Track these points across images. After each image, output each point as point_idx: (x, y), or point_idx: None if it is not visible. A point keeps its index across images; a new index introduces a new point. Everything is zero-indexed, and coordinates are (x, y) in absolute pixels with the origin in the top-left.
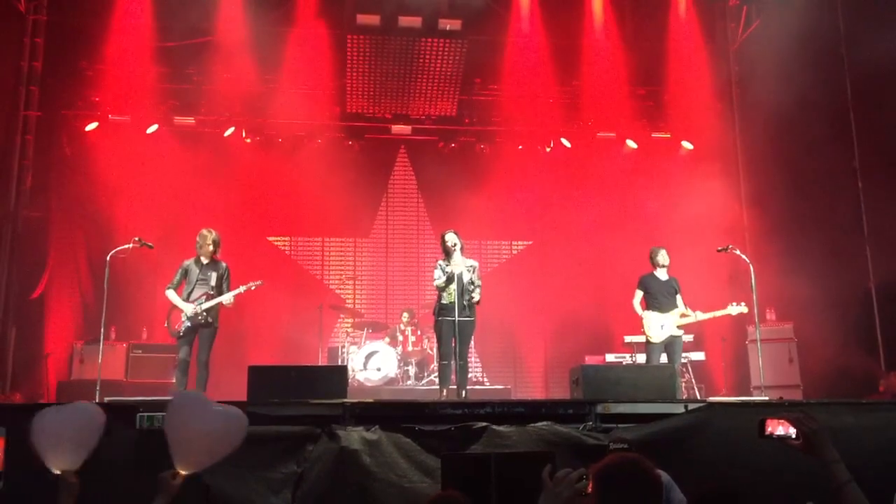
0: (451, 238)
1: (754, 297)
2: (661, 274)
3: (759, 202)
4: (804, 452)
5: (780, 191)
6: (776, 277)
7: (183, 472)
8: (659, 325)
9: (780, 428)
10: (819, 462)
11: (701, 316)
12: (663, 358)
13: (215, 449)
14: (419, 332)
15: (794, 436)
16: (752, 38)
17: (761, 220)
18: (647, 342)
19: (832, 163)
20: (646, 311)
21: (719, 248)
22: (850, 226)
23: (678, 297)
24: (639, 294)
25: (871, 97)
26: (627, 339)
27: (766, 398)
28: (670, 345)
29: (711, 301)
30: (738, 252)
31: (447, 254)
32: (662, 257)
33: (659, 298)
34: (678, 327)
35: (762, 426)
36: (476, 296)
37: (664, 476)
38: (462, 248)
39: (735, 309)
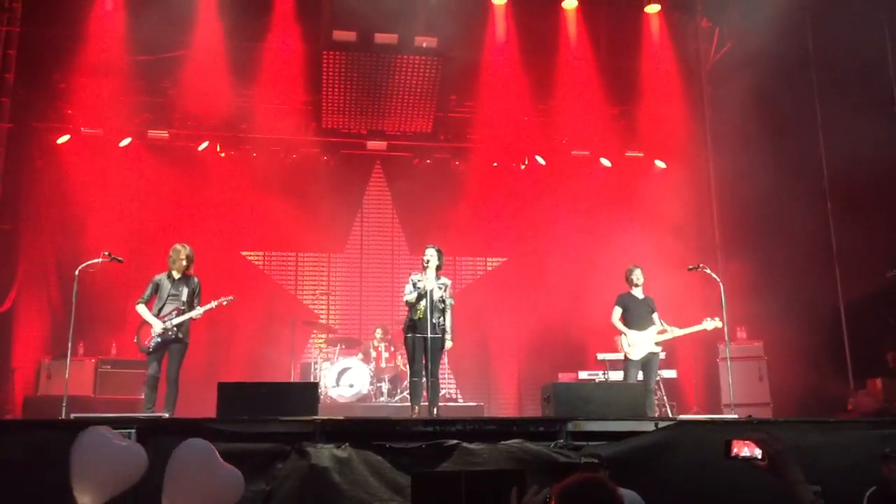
0: (428, 253)
1: (724, 315)
2: (638, 293)
3: (730, 221)
4: (769, 473)
5: (751, 210)
6: (747, 296)
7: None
8: (638, 343)
9: (746, 449)
10: (784, 482)
11: (678, 332)
12: (640, 375)
13: (114, 484)
14: (392, 349)
15: (759, 457)
16: (725, 59)
17: (732, 239)
18: (626, 359)
19: (802, 182)
20: (627, 329)
21: (690, 267)
22: (819, 245)
23: (655, 315)
24: (617, 311)
25: (841, 118)
26: (600, 356)
27: (736, 416)
28: (647, 362)
29: (683, 319)
30: (708, 271)
31: (424, 267)
32: (637, 276)
33: (637, 317)
34: (656, 344)
35: (728, 447)
36: (447, 321)
37: (632, 495)
38: (439, 267)
39: (710, 324)
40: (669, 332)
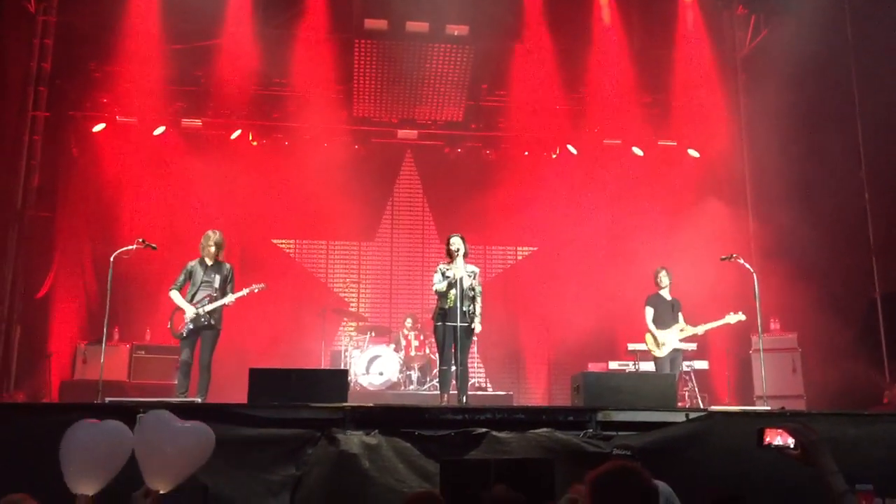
0: (455, 242)
1: (758, 306)
2: (665, 293)
3: (765, 211)
4: (802, 463)
5: (785, 200)
6: (781, 287)
7: (155, 490)
8: (666, 341)
9: (779, 438)
10: (817, 472)
11: (701, 329)
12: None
13: (184, 466)
14: (422, 338)
15: (792, 446)
16: (760, 47)
17: (767, 229)
18: (655, 357)
19: (839, 172)
20: (656, 330)
21: (723, 257)
22: (856, 236)
23: (680, 315)
24: (650, 311)
25: (879, 107)
26: (631, 346)
27: (768, 408)
28: (674, 359)
29: (716, 310)
30: (741, 261)
31: (450, 257)
32: (662, 278)
33: (663, 316)
34: (680, 340)
35: (761, 436)
36: (477, 308)
37: (664, 487)
38: (465, 255)
39: (733, 318)
40: (694, 330)
